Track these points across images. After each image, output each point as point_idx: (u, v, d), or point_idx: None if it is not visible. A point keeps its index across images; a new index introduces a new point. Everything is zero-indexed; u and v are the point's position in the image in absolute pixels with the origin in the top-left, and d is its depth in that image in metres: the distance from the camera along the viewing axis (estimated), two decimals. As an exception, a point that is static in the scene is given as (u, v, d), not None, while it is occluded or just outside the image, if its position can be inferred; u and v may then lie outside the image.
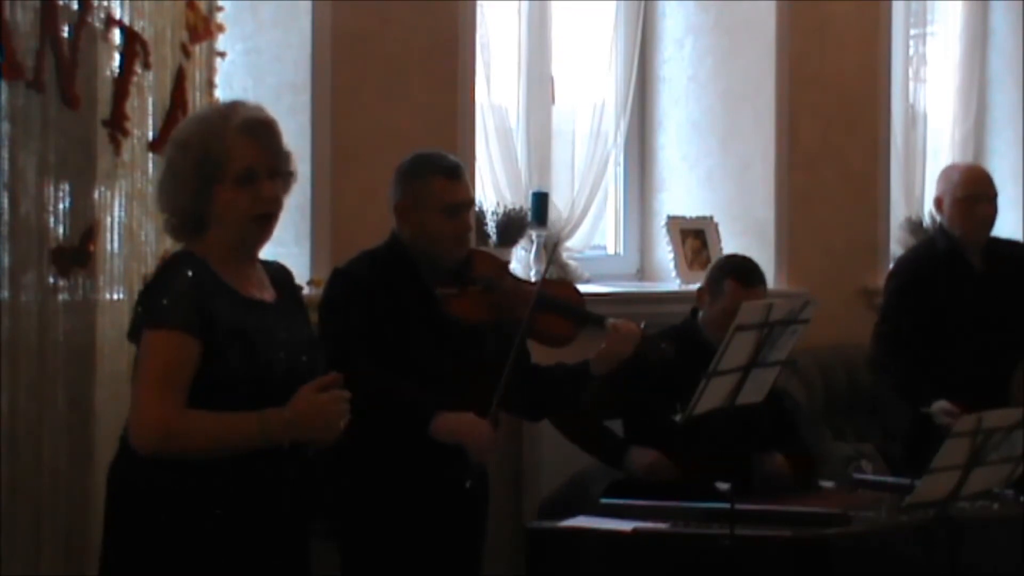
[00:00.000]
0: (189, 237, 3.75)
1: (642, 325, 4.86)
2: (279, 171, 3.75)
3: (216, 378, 3.61)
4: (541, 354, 4.92)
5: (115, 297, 4.86)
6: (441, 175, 4.66)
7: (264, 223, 3.74)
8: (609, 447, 5.40)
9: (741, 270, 5.48)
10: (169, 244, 3.90)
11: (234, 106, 3.80)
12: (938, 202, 6.35)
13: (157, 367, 3.59)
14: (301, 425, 3.62)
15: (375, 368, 4.42)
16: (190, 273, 3.65)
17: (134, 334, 3.69)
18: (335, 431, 3.67)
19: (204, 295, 3.63)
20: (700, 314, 5.48)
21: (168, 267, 3.75)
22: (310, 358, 3.78)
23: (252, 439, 3.60)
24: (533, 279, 5.91)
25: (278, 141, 3.76)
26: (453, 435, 4.45)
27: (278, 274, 3.91)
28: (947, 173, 6.46)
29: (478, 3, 6.34)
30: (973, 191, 6.25)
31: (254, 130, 3.71)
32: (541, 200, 6.62)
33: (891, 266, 6.86)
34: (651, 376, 5.13)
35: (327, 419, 3.64)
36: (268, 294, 3.81)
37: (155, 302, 3.64)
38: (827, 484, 5.43)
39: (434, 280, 4.63)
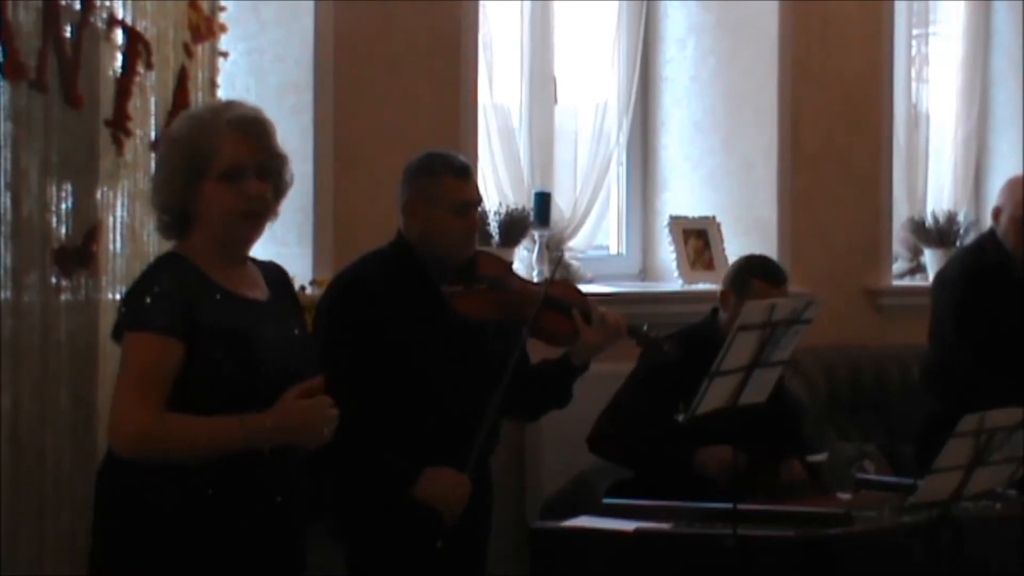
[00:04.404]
0: (178, 235, 3.73)
1: (645, 327, 4.85)
2: (269, 171, 3.70)
3: (203, 378, 3.58)
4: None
5: (118, 297, 4.85)
6: (452, 174, 4.66)
7: (250, 220, 3.69)
8: (671, 456, 5.27)
9: (766, 270, 5.57)
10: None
11: (229, 104, 3.80)
12: (996, 212, 6.27)
13: (137, 370, 3.56)
14: (283, 432, 3.58)
15: (363, 407, 4.38)
16: (174, 274, 3.62)
17: (117, 335, 3.68)
18: (320, 438, 3.64)
19: (189, 296, 3.59)
20: (722, 316, 5.47)
21: (153, 268, 3.72)
22: (300, 358, 3.73)
23: (233, 444, 3.56)
24: (536, 280, 5.91)
25: (270, 141, 3.72)
26: (429, 500, 4.51)
27: (272, 274, 3.87)
28: (1011, 186, 6.34)
29: (480, 3, 6.33)
30: None
31: (245, 127, 3.68)
32: (544, 200, 6.62)
33: (933, 278, 6.69)
34: (662, 377, 5.13)
35: (311, 426, 3.60)
36: (260, 293, 3.77)
37: (137, 303, 3.61)
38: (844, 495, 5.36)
39: (440, 279, 4.64)
